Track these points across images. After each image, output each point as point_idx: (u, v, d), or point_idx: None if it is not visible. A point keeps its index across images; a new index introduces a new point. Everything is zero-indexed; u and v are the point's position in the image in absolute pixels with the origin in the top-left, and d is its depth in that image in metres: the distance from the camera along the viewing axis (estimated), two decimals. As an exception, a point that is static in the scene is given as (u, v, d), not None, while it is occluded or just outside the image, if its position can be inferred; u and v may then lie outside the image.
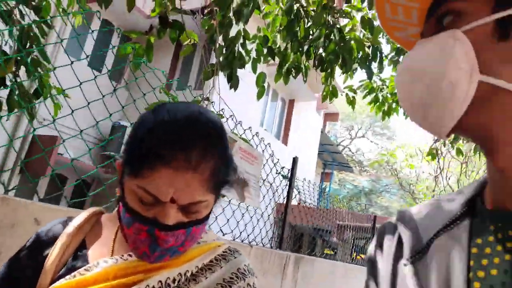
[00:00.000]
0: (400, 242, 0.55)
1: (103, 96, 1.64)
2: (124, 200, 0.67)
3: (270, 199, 2.67)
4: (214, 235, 0.85)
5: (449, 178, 15.87)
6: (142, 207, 0.65)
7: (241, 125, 2.20)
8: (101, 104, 1.65)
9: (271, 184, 2.44)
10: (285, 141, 9.87)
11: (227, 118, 2.14)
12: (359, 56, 2.58)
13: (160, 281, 0.70)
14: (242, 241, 2.10)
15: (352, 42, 2.47)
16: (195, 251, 0.76)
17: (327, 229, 8.70)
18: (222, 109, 2.12)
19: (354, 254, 7.30)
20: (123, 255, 0.71)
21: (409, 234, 0.54)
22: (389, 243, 0.57)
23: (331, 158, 14.44)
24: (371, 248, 0.61)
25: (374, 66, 2.81)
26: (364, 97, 4.28)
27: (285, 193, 2.81)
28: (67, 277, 0.68)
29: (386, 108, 4.15)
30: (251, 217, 2.27)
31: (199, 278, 0.74)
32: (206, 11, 2.76)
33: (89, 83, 1.60)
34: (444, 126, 0.47)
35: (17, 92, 1.80)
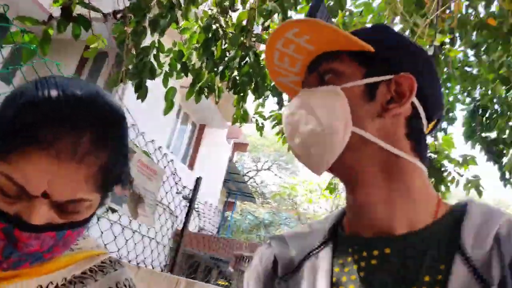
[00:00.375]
0: (275, 264, 0.63)
1: None
2: None
3: (166, 220, 2.52)
4: (93, 242, 0.70)
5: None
6: (3, 199, 0.50)
7: (143, 137, 2.06)
8: None
9: (168, 204, 2.31)
10: (191, 166, 9.69)
11: (128, 128, 1.99)
12: (272, 84, 2.65)
13: None
14: (130, 261, 1.91)
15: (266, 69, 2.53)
16: (65, 259, 0.61)
17: (224, 259, 8.59)
18: (124, 116, 1.97)
19: None
20: None
21: (282, 257, 0.62)
22: (266, 265, 0.64)
23: (235, 187, 14.55)
24: (248, 272, 0.68)
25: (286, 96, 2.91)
26: (273, 127, 4.41)
27: (183, 217, 2.68)
28: None
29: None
30: (142, 237, 2.10)
31: None
32: (119, 15, 2.62)
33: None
34: (322, 165, 0.57)
35: None
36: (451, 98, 4.68)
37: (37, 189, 0.49)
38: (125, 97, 6.45)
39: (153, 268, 2.14)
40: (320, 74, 0.59)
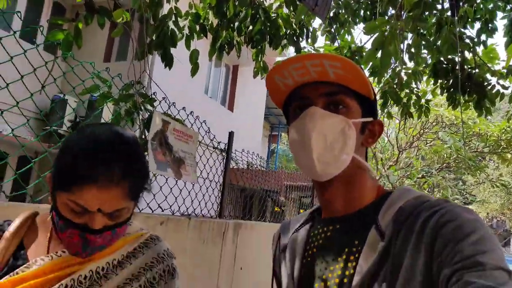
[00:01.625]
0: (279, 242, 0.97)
1: (35, 69, 1.58)
2: (57, 209, 0.80)
3: (218, 166, 2.82)
4: (137, 226, 1.00)
5: (389, 136, 16.89)
6: (73, 215, 0.78)
7: (174, 107, 2.29)
8: (39, 78, 1.61)
9: (207, 160, 2.58)
10: (230, 107, 9.95)
11: (160, 101, 2.22)
12: (287, 33, 2.71)
13: (91, 270, 0.84)
14: (182, 214, 2.26)
15: (280, 20, 2.59)
16: (120, 242, 0.91)
17: (275, 190, 9.09)
18: (154, 92, 2.19)
19: (301, 210, 7.77)
20: (57, 252, 0.84)
21: (283, 236, 0.94)
22: (275, 243, 0.98)
23: (277, 121, 14.77)
24: (272, 248, 1.00)
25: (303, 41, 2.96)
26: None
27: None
28: (10, 274, 0.80)
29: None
30: (193, 186, 2.41)
31: (124, 264, 0.89)
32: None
33: (24, 55, 1.54)
34: (327, 177, 0.77)
35: None
36: (491, 6, 4.37)
37: (94, 207, 0.77)
38: (155, 67, 6.68)
39: (203, 216, 2.49)
40: (335, 102, 0.78)
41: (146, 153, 1.98)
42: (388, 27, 1.51)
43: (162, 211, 2.11)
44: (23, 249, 0.86)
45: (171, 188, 2.18)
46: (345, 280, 0.73)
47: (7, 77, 1.53)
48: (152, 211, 2.02)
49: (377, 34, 1.49)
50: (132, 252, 0.92)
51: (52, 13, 7.35)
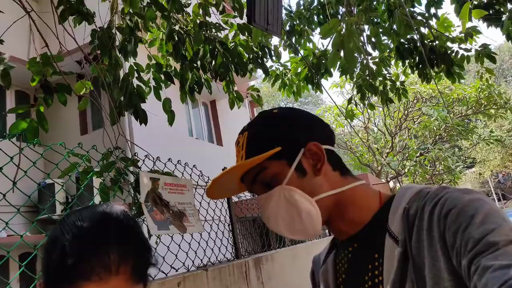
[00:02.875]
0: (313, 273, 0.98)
1: (11, 158, 1.52)
2: None
3: (221, 206, 2.73)
4: None
5: (377, 124, 16.98)
6: None
7: (159, 160, 2.23)
8: (22, 168, 1.54)
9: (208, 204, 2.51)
10: (219, 142, 9.92)
11: (143, 160, 2.15)
12: (250, 58, 2.70)
13: None
14: (198, 267, 2.16)
15: (239, 47, 2.58)
16: None
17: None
18: (135, 153, 2.13)
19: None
20: None
21: (316, 272, 0.94)
22: (310, 274, 0.99)
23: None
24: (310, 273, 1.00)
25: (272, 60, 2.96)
26: (273, 84, 4.47)
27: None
28: None
29: (295, 89, 4.38)
30: (201, 235, 2.32)
31: None
32: (91, 57, 2.71)
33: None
34: (317, 233, 0.79)
35: None
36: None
37: None
38: (134, 126, 6.64)
39: (220, 262, 2.39)
40: (263, 183, 0.80)
41: (143, 217, 1.90)
42: (343, 25, 1.49)
43: (176, 270, 2.01)
44: None
45: (179, 244, 2.08)
46: None
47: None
48: (166, 275, 1.92)
49: (334, 35, 1.47)
50: None
51: (16, 101, 7.28)
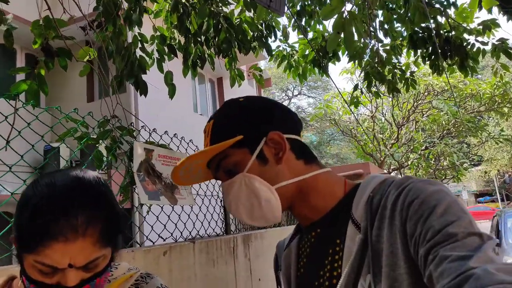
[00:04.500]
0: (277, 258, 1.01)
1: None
2: (26, 273, 0.73)
3: (214, 181, 2.75)
4: (125, 267, 0.93)
5: (385, 114, 16.83)
6: (44, 276, 0.71)
7: (155, 132, 2.24)
8: (27, 131, 1.57)
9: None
10: (223, 120, 9.92)
11: (139, 130, 2.17)
12: (255, 36, 2.67)
13: None
14: (186, 239, 2.19)
15: (244, 24, 2.55)
16: None
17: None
18: (131, 123, 2.14)
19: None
20: None
21: (279, 253, 0.97)
22: (274, 260, 1.02)
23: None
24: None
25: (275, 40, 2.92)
26: (278, 65, 4.43)
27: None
28: None
29: (301, 71, 4.33)
30: (191, 208, 2.36)
31: None
32: (95, 24, 2.70)
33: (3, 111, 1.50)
34: (276, 219, 0.81)
35: None
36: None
37: (63, 264, 0.69)
38: (139, 97, 6.63)
39: (209, 236, 2.43)
40: (225, 170, 0.82)
41: (134, 186, 1.93)
42: (345, 8, 1.47)
43: (164, 240, 2.05)
44: None
45: (168, 215, 2.12)
46: (334, 281, 0.73)
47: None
48: (153, 243, 1.96)
49: (335, 17, 1.45)
50: None
51: (26, 64, 7.35)
